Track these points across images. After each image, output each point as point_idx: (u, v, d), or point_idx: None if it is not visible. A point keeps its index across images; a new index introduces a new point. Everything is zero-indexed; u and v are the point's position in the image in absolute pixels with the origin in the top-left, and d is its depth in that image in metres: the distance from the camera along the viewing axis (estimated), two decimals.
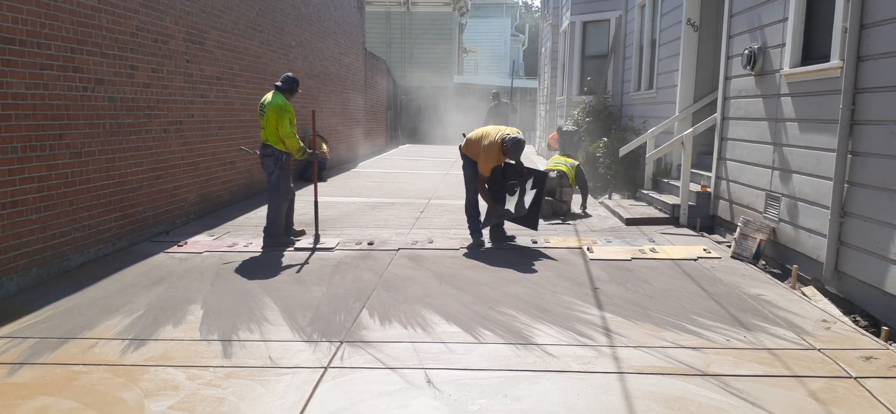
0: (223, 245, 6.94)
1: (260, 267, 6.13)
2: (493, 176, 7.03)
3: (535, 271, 6.04)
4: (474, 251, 6.82)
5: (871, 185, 5.02)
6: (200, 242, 7.12)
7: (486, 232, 7.32)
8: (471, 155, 7.05)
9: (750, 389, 3.57)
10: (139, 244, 7.01)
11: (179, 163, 7.99)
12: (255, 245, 6.95)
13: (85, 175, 6.16)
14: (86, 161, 6.17)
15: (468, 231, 7.22)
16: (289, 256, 6.57)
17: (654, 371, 3.81)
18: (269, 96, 6.80)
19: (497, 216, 7.07)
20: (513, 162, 7.08)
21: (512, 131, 6.88)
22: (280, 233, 6.98)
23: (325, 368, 3.86)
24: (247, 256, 6.52)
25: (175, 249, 6.79)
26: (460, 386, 3.61)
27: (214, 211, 8.97)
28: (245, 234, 7.58)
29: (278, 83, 6.89)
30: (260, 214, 8.84)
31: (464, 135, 7.31)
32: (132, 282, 5.63)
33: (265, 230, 6.99)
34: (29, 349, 4.11)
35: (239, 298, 5.16)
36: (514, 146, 6.74)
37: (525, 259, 6.51)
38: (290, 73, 7.01)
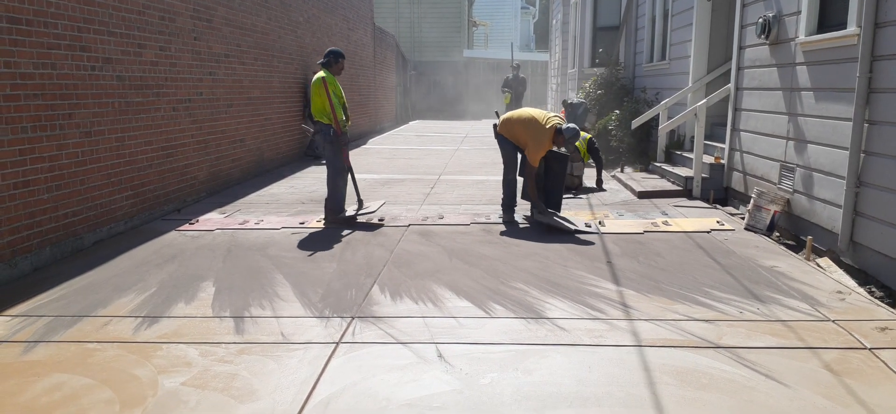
0: (234, 223, 6.95)
1: (271, 244, 6.14)
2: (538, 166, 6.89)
3: (545, 246, 6.02)
4: (506, 225, 6.80)
5: (889, 154, 4.93)
6: (212, 219, 7.14)
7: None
8: (509, 136, 6.88)
9: (763, 361, 3.54)
10: (151, 223, 7.04)
11: (189, 141, 7.99)
12: (266, 222, 6.96)
13: (95, 154, 6.18)
14: (96, 140, 6.18)
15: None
16: (299, 233, 6.58)
17: (667, 344, 3.78)
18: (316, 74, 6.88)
19: (539, 211, 6.86)
20: (561, 149, 6.88)
21: (558, 118, 6.73)
22: (339, 207, 7.00)
23: (337, 343, 3.87)
24: (258, 234, 6.53)
25: (186, 226, 6.81)
26: (471, 360, 3.61)
27: (225, 189, 8.99)
28: (256, 211, 7.59)
29: (322, 59, 6.98)
30: (270, 192, 8.87)
31: (497, 114, 7.21)
32: (144, 260, 5.65)
33: (327, 207, 7.01)
34: (43, 327, 4.14)
35: (250, 275, 5.17)
36: (573, 137, 6.57)
37: (536, 233, 6.48)
38: (331, 47, 7.06)
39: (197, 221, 7.02)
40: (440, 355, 3.67)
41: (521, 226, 6.82)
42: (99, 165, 6.24)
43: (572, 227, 6.52)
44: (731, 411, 3.06)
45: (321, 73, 6.79)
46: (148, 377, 3.44)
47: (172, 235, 6.53)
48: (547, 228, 6.61)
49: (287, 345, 3.85)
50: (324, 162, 7.15)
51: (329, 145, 6.85)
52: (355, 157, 12.77)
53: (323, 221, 6.97)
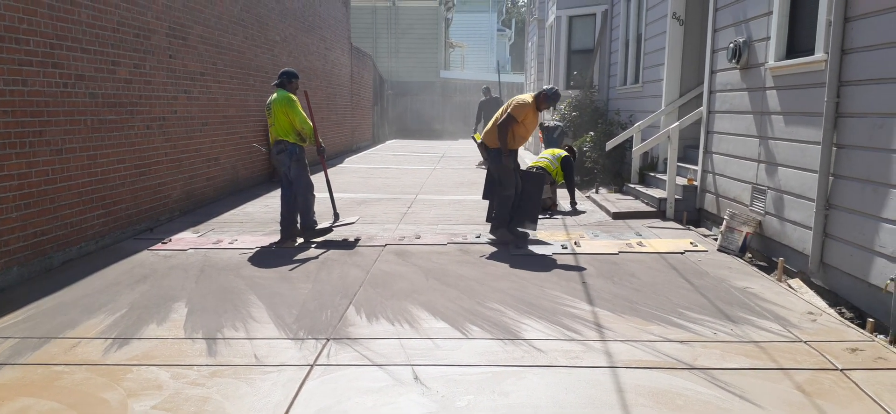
0: (208, 242, 6.87)
1: (245, 264, 6.07)
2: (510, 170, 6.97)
3: (522, 266, 6.03)
4: (504, 245, 6.82)
5: (856, 177, 5.04)
6: (185, 239, 7.05)
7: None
8: (493, 137, 6.89)
9: (737, 382, 3.57)
10: (123, 242, 6.92)
11: (163, 159, 7.90)
12: (241, 242, 6.89)
13: (66, 172, 6.07)
14: (67, 158, 6.08)
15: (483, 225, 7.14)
16: (274, 253, 6.51)
17: (642, 365, 3.80)
18: (273, 95, 6.82)
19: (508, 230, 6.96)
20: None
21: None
22: (311, 223, 6.98)
23: (312, 365, 3.82)
24: (232, 253, 6.46)
25: (159, 246, 6.71)
26: (448, 382, 3.59)
27: (199, 208, 8.89)
28: (230, 230, 7.50)
29: (276, 81, 6.92)
30: (245, 211, 8.78)
31: (475, 130, 7.28)
32: (115, 280, 5.55)
33: (301, 226, 6.99)
34: (9, 349, 4.03)
35: (224, 296, 5.10)
36: (554, 95, 6.83)
37: (512, 255, 6.50)
38: (286, 68, 7.05)
39: (170, 241, 6.92)
40: (416, 378, 3.65)
41: (495, 247, 6.82)
42: (70, 183, 6.13)
43: (542, 251, 6.55)
44: None
45: (285, 93, 6.74)
46: (117, 401, 3.36)
47: (144, 254, 6.42)
48: (516, 246, 6.64)
49: (260, 367, 3.80)
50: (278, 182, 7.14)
51: (295, 164, 6.82)
52: (332, 175, 12.71)
53: (278, 242, 6.89)
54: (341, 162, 15.81)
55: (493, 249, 6.72)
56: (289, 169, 6.83)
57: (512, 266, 6.04)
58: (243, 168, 10.63)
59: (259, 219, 8.24)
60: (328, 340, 4.21)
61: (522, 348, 4.06)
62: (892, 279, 4.42)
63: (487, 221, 7.50)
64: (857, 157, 5.04)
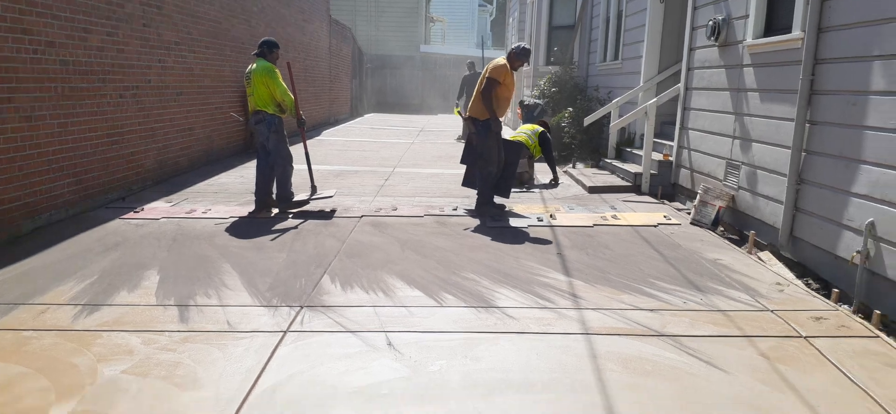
0: (181, 211, 6.80)
1: (219, 233, 6.02)
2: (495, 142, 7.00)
3: (498, 238, 6.05)
4: (482, 218, 6.83)
5: (828, 153, 5.11)
6: (158, 208, 6.97)
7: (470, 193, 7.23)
8: (478, 106, 6.91)
9: (704, 349, 3.64)
10: (94, 210, 6.83)
11: (136, 128, 7.78)
12: (214, 212, 6.83)
13: (35, 139, 5.96)
14: (36, 125, 5.96)
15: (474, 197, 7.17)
16: (249, 223, 6.47)
17: (612, 332, 3.85)
18: (253, 65, 6.72)
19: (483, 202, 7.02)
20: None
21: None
22: (291, 196, 6.96)
23: (285, 332, 3.82)
24: (205, 223, 6.40)
25: (131, 215, 6.63)
26: (421, 348, 3.61)
27: (173, 177, 8.78)
28: (204, 200, 7.43)
29: (256, 51, 6.82)
30: (219, 181, 8.70)
31: (457, 104, 7.28)
32: (86, 248, 5.48)
33: (277, 197, 6.96)
34: None
35: (197, 264, 5.07)
36: (522, 52, 6.88)
37: (489, 227, 6.52)
38: (266, 37, 6.98)
39: (142, 210, 6.84)
40: (390, 344, 3.66)
41: (472, 219, 6.83)
42: (39, 151, 6.02)
43: (519, 224, 6.60)
44: (674, 396, 3.13)
45: (266, 63, 6.67)
46: (86, 365, 3.34)
47: (116, 223, 6.34)
48: (493, 219, 6.68)
49: (233, 333, 3.79)
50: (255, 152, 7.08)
51: (274, 135, 6.76)
52: (309, 148, 12.63)
53: (253, 213, 6.85)
54: (319, 134, 15.69)
55: (471, 221, 6.73)
56: (267, 139, 6.77)
57: (488, 238, 6.06)
58: (218, 138, 10.51)
59: (233, 189, 8.17)
60: (302, 307, 4.21)
61: (495, 316, 4.09)
62: (857, 251, 4.52)
63: (463, 185, 7.54)
64: (830, 133, 5.10)
